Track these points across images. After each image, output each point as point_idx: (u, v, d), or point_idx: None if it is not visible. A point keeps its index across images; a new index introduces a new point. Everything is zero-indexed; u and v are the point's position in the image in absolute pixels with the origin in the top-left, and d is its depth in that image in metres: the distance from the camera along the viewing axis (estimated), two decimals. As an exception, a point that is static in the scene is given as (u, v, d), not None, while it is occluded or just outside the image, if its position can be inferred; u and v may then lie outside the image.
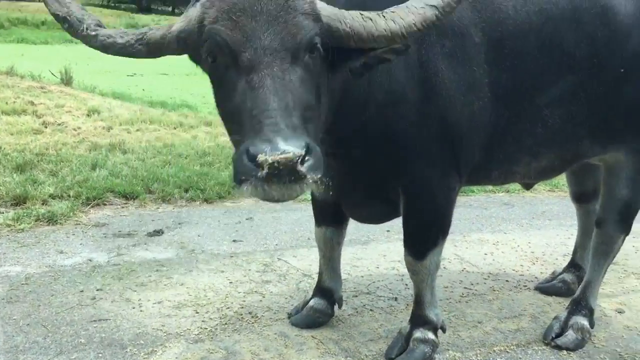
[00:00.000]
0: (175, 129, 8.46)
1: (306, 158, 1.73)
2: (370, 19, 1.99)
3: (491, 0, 2.48)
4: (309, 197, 3.59)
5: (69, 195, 5.20)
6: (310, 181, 1.76)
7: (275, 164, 1.67)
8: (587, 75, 2.67)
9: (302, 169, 1.72)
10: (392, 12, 2.01)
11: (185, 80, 17.65)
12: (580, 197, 3.75)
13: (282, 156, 1.68)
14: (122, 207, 5.30)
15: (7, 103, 8.76)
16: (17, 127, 7.47)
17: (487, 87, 2.50)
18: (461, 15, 2.40)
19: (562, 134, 2.78)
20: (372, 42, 1.99)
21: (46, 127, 7.68)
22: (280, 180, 1.71)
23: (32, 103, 8.94)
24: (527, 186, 3.58)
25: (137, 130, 8.05)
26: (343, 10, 2.02)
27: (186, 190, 5.72)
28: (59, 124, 7.85)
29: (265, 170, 1.68)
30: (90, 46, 2.18)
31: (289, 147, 1.69)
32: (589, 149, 2.95)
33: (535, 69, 2.58)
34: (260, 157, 1.68)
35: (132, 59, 2.27)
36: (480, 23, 2.44)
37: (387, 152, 2.54)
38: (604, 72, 2.69)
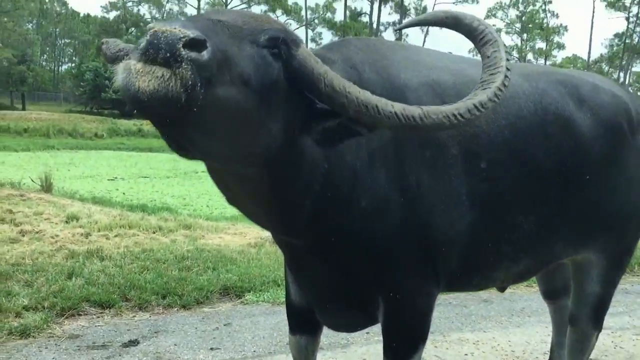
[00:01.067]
0: (154, 233, 8.47)
1: (198, 51, 1.51)
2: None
3: None
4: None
5: (44, 307, 5.12)
6: (185, 70, 1.49)
7: (159, 33, 1.48)
8: (556, 182, 2.81)
9: (183, 51, 1.48)
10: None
11: (165, 183, 17.85)
12: (551, 294, 3.81)
13: (168, 28, 1.49)
14: (98, 317, 5.21)
15: (-16, 212, 8.76)
16: (-7, 236, 7.43)
17: (465, 196, 2.57)
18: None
19: (538, 239, 2.87)
20: (343, 99, 1.87)
21: (23, 236, 7.64)
22: (154, 55, 1.48)
23: (11, 211, 8.94)
24: (502, 289, 3.63)
25: (116, 235, 8.04)
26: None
27: (164, 297, 5.67)
28: (37, 232, 7.82)
29: (146, 38, 1.50)
30: None
31: (183, 28, 1.51)
32: (563, 251, 3.06)
33: (509, 178, 2.68)
34: (150, 25, 1.52)
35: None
36: (457, 136, 2.53)
37: (366, 257, 2.54)
38: (571, 180, 2.84)
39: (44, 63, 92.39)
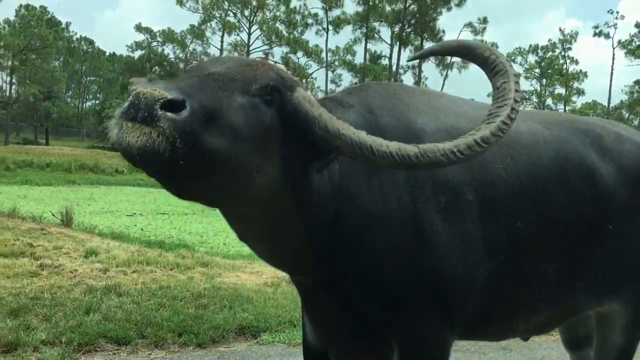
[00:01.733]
0: (171, 269, 8.49)
1: (175, 112, 1.63)
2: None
3: (484, 162, 2.58)
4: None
5: (61, 342, 5.13)
6: (164, 129, 1.60)
7: (140, 95, 1.61)
8: (578, 232, 2.77)
9: (160, 112, 1.60)
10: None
11: (183, 220, 17.95)
12: (573, 344, 3.74)
13: (147, 89, 1.62)
14: (114, 354, 5.21)
15: (6, 245, 8.87)
16: (14, 270, 7.51)
17: (481, 243, 2.54)
18: (455, 174, 2.49)
19: (559, 289, 2.82)
20: (337, 141, 1.94)
21: (43, 270, 7.71)
22: (134, 115, 1.60)
23: (31, 245, 9.04)
24: (525, 339, 3.56)
25: (134, 271, 8.07)
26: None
27: (180, 335, 5.65)
28: (56, 267, 7.88)
29: (129, 99, 1.62)
30: None
31: (161, 88, 1.63)
32: (586, 302, 3.00)
33: (528, 227, 2.65)
34: (133, 87, 1.64)
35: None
36: (473, 182, 2.53)
37: (378, 300, 2.52)
38: (594, 229, 2.80)
39: (68, 99, 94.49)
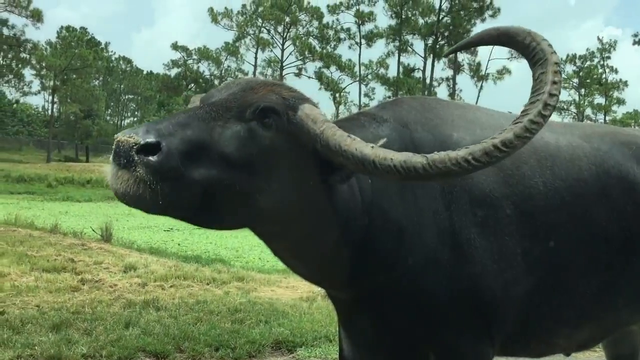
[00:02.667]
0: (208, 284, 8.59)
1: (151, 155, 1.72)
2: (355, 139, 1.95)
3: (522, 176, 2.54)
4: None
5: (101, 355, 5.23)
6: (140, 174, 1.71)
7: (119, 142, 1.74)
8: (620, 246, 2.71)
9: (136, 157, 1.71)
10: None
11: (219, 234, 18.09)
12: None
13: (125, 137, 1.73)
14: (152, 367, 5.28)
15: (48, 261, 9.12)
16: (56, 284, 7.70)
17: (519, 257, 2.50)
18: (493, 188, 2.47)
19: (602, 305, 2.76)
20: (339, 157, 1.94)
21: (84, 285, 7.89)
22: (118, 161, 1.74)
23: (72, 260, 9.28)
24: (567, 354, 3.47)
25: (171, 286, 8.19)
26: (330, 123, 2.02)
27: (216, 349, 5.70)
28: (96, 281, 8.06)
29: (112, 147, 1.75)
30: None
31: (136, 134, 1.74)
32: (630, 317, 2.93)
33: (568, 241, 2.60)
34: (115, 135, 1.77)
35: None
36: (511, 196, 2.49)
37: (414, 314, 2.50)
38: (637, 244, 2.74)
39: (108, 117, 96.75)
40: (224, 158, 1.88)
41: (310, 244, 2.26)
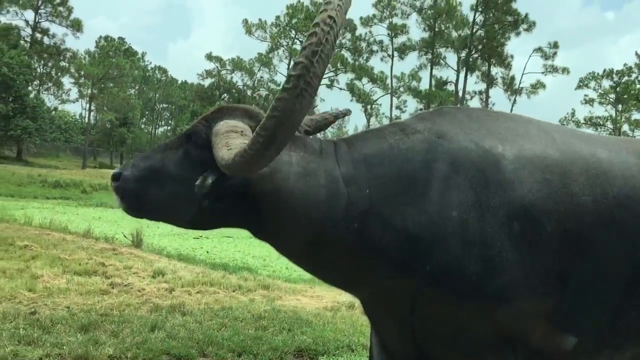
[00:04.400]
0: (234, 291, 8.69)
1: (115, 181, 2.57)
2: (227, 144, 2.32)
3: (569, 193, 2.46)
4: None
5: (127, 357, 5.34)
6: (114, 192, 2.58)
7: (112, 173, 2.63)
8: None
9: (112, 182, 2.59)
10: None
11: (247, 243, 18.24)
12: None
13: (116, 170, 2.64)
14: (176, 371, 5.37)
15: (80, 264, 9.35)
16: (86, 287, 7.89)
17: (554, 274, 2.43)
18: (535, 203, 2.41)
19: (628, 332, 2.63)
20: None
21: (113, 288, 8.06)
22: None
23: (103, 264, 9.49)
24: None
25: (198, 292, 8.31)
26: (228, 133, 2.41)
27: (239, 355, 5.76)
28: (126, 285, 8.22)
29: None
30: None
31: (128, 166, 2.62)
32: None
33: (616, 261, 2.51)
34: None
35: None
36: (555, 212, 2.42)
37: (440, 324, 2.50)
38: None
39: (142, 125, 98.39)
40: (170, 176, 2.53)
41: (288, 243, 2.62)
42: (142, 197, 2.56)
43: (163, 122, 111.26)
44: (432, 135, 2.51)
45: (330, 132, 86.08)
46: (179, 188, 2.48)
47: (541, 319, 2.48)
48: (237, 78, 76.37)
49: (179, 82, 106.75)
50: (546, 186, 2.42)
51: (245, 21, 71.44)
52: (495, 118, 2.68)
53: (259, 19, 75.29)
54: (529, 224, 2.40)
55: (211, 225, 2.68)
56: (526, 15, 63.47)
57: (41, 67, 71.90)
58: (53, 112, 69.61)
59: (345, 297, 8.50)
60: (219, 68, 76.20)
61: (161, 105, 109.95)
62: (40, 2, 65.44)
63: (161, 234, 18.46)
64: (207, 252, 16.01)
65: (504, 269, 2.37)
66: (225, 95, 73.93)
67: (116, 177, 2.57)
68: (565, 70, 67.17)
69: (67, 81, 73.65)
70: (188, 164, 2.49)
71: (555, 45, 67.15)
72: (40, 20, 66.85)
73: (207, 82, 76.26)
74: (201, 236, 19.64)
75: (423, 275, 2.41)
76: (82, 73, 70.05)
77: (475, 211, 2.37)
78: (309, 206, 2.43)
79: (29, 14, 65.70)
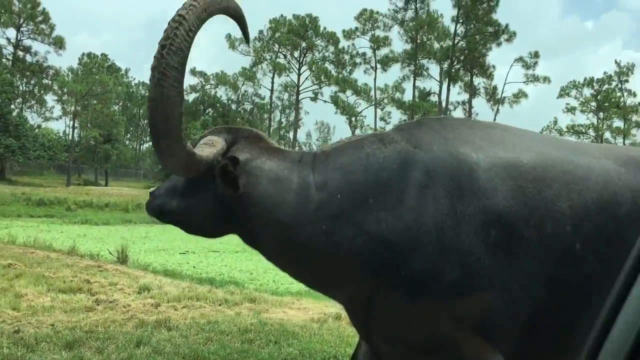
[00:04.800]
0: (220, 305, 8.67)
1: (151, 196, 3.09)
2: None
3: (545, 199, 2.49)
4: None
5: (112, 373, 5.32)
6: (149, 201, 3.07)
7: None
8: None
9: (149, 197, 3.08)
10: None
11: (234, 257, 18.22)
12: None
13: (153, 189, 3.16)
14: (162, 386, 5.35)
15: (64, 282, 9.29)
16: (71, 305, 7.84)
17: (533, 279, 2.46)
18: (510, 210, 2.45)
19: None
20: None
21: (98, 305, 8.01)
22: None
23: (88, 281, 9.44)
24: None
25: (184, 307, 8.28)
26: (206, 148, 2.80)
27: (226, 368, 5.76)
28: (111, 302, 8.18)
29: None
30: None
31: (159, 189, 3.09)
32: None
33: (597, 266, 2.52)
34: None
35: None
36: (531, 219, 2.45)
37: (419, 330, 2.55)
38: None
39: (127, 142, 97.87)
40: (180, 191, 2.91)
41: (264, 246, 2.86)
42: (164, 211, 2.99)
43: (148, 138, 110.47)
44: (409, 145, 2.58)
45: (315, 145, 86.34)
46: (185, 202, 2.88)
47: (517, 322, 2.50)
48: (222, 92, 76.38)
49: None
50: (520, 193, 2.47)
51: (229, 35, 71.53)
52: (471, 127, 2.73)
53: (243, 34, 75.44)
54: (505, 231, 2.44)
55: (216, 232, 3.06)
56: (506, 26, 64.26)
57: (24, 85, 71.27)
58: (36, 130, 69.02)
59: (332, 308, 8.52)
60: (203, 83, 76.17)
61: (146, 121, 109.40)
62: (22, 20, 65.09)
63: (147, 250, 18.39)
64: (194, 267, 15.96)
65: (481, 275, 2.42)
66: (210, 110, 73.88)
67: (152, 193, 3.12)
68: (546, 80, 67.95)
69: (50, 99, 73.00)
70: (190, 182, 2.86)
71: (536, 54, 68.04)
72: (22, 38, 66.36)
73: (191, 97, 76.15)
74: (188, 251, 19.58)
75: (397, 279, 2.47)
76: (65, 90, 69.58)
77: (451, 219, 2.42)
78: (277, 208, 2.62)
79: (11, 32, 65.31)
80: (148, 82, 2.51)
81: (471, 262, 2.41)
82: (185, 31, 2.43)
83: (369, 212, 2.49)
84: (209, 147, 2.76)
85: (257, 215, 2.69)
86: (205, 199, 2.79)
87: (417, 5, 66.94)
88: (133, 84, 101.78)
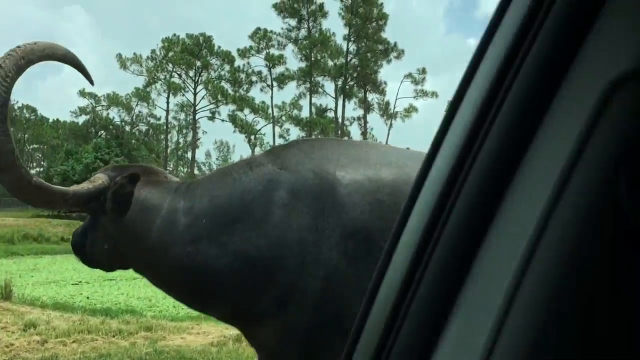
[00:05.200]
0: (114, 336, 8.32)
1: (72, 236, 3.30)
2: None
3: (399, 211, 2.67)
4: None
5: (-9, 420, 4.96)
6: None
7: None
8: None
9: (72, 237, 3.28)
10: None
11: (131, 284, 17.57)
12: None
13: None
14: None
15: (-62, 324, 8.54)
16: (-55, 349, 7.23)
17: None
18: (367, 223, 2.58)
19: None
20: None
21: (-23, 347, 7.44)
22: None
23: (-34, 322, 8.73)
24: None
25: (74, 341, 7.88)
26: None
27: (119, 403, 5.54)
28: (-9, 342, 7.63)
29: None
30: None
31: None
32: None
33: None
34: None
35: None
36: (387, 230, 2.55)
37: (287, 340, 2.63)
38: None
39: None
40: (85, 229, 3.17)
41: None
42: (75, 250, 3.24)
43: (35, 164, 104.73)
44: (275, 167, 2.69)
45: (215, 164, 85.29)
46: (88, 239, 3.13)
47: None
48: (114, 114, 73.71)
49: (50, 120, 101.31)
50: (377, 207, 2.62)
51: (119, 55, 69.45)
52: (337, 146, 2.89)
53: (134, 53, 73.48)
54: (363, 242, 2.58)
55: (114, 264, 3.14)
56: (395, 44, 66.75)
57: None
58: None
59: (232, 330, 8.42)
60: (94, 104, 73.20)
61: (32, 146, 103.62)
62: None
63: (35, 282, 17.36)
64: (87, 297, 15.20)
65: (340, 285, 2.54)
66: (102, 132, 71.08)
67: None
68: (434, 94, 70.81)
69: None
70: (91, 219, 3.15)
71: (423, 71, 70.93)
72: None
73: (81, 120, 73.02)
74: (81, 281, 18.66)
75: (264, 294, 2.57)
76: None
77: (312, 234, 2.55)
78: (146, 232, 2.77)
79: None
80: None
81: (331, 273, 2.54)
82: (2, 78, 2.62)
83: (234, 232, 2.59)
84: (88, 182, 2.97)
85: (130, 241, 2.85)
86: (100, 234, 2.99)
87: (310, 25, 68.18)
88: (16, 107, 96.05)
